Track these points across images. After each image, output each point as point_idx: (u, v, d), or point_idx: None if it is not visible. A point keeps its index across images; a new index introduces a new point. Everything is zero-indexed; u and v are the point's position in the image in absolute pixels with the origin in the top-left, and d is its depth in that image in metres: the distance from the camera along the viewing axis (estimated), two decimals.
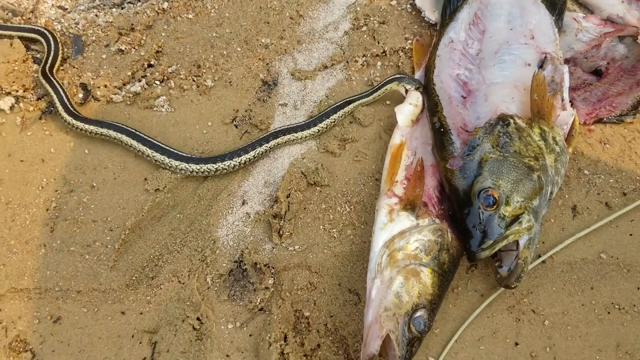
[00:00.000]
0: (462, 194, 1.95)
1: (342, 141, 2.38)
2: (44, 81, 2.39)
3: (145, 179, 2.27)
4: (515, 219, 1.86)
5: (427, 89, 2.36)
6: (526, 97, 2.22)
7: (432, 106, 2.26)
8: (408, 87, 2.34)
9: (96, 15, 2.86)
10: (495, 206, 1.88)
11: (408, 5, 2.83)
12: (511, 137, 2.03)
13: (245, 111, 2.49)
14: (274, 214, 2.14)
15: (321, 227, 2.15)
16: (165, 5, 2.86)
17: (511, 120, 2.08)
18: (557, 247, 2.06)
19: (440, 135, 2.13)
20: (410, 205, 1.98)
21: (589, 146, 2.26)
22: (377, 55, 2.62)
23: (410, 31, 2.73)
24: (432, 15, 2.72)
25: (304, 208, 2.20)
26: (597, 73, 2.59)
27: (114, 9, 2.89)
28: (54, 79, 2.42)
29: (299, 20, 2.82)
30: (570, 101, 2.38)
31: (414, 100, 2.33)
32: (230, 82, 2.58)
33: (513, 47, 2.42)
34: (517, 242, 1.85)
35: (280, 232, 2.10)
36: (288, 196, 2.17)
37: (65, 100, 2.33)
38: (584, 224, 2.12)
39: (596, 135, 2.28)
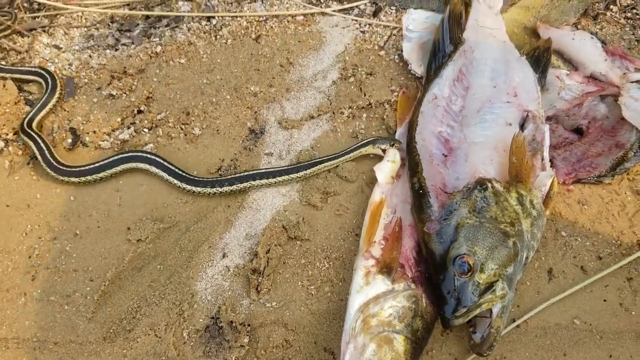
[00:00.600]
0: (438, 258, 1.94)
1: (325, 194, 2.36)
2: (25, 137, 2.40)
3: (128, 229, 2.26)
4: (490, 286, 1.82)
5: (409, 147, 2.35)
6: (505, 159, 2.20)
7: (412, 165, 2.25)
8: (384, 147, 2.33)
9: (90, 57, 2.86)
10: (469, 273, 1.86)
11: (396, 57, 2.83)
12: (488, 202, 2.02)
13: (231, 160, 2.48)
14: (253, 269, 2.13)
15: (299, 283, 2.13)
16: (159, 49, 2.87)
17: (489, 185, 2.07)
18: (532, 312, 2.04)
19: (419, 197, 2.12)
20: (387, 268, 1.96)
21: (567, 207, 2.23)
22: (363, 107, 2.61)
23: (397, 83, 2.73)
24: (418, 68, 2.72)
25: (283, 263, 2.18)
26: (578, 132, 2.57)
27: (107, 50, 2.90)
28: (35, 132, 2.41)
29: (289, 68, 2.82)
30: (550, 160, 2.37)
31: (392, 157, 2.32)
32: (217, 130, 2.57)
33: (495, 106, 2.41)
34: (490, 310, 1.82)
35: (258, 289, 2.09)
36: (268, 252, 2.15)
37: (47, 154, 2.33)
38: (559, 288, 2.10)
39: (575, 196, 2.26)
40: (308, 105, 2.66)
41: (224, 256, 2.20)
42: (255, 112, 2.64)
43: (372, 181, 2.38)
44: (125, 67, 2.76)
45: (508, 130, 2.32)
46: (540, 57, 2.66)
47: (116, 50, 2.89)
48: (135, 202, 2.24)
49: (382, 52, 2.84)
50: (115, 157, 2.36)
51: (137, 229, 2.15)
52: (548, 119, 2.49)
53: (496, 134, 2.31)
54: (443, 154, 2.31)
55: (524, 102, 2.46)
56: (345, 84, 2.70)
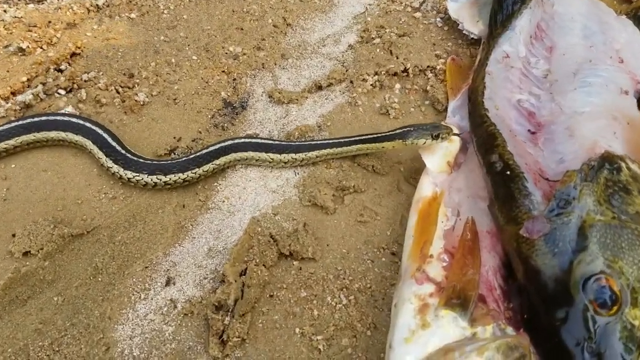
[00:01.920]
0: (552, 282, 1.18)
1: (340, 190, 1.62)
2: None
3: (13, 235, 1.47)
4: None
5: (475, 117, 1.64)
6: (633, 134, 1.50)
7: (486, 139, 1.53)
8: (422, 142, 1.60)
9: (4, 11, 2.16)
10: (616, 307, 1.10)
11: (438, 19, 2.18)
12: (627, 190, 1.28)
13: (193, 141, 1.75)
14: (217, 304, 1.33)
15: (297, 330, 1.34)
16: (101, 2, 2.19)
17: (622, 164, 1.34)
18: None
19: (505, 182, 1.38)
20: (459, 298, 1.17)
21: None
22: (396, 74, 1.93)
23: (443, 48, 2.06)
24: (473, 27, 2.06)
25: (270, 296, 1.41)
26: None
27: (30, 5, 2.21)
28: None
29: (286, 30, 2.15)
30: None
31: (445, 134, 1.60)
32: (174, 99, 1.86)
33: (600, 68, 1.75)
34: None
35: (224, 338, 1.28)
36: (243, 273, 1.37)
37: None
38: None
39: None
40: (313, 75, 1.98)
41: (168, 283, 1.42)
42: (235, 79, 1.93)
43: (414, 174, 1.65)
44: (50, 21, 2.06)
45: (625, 100, 1.63)
46: None
47: (40, 3, 2.20)
48: (31, 196, 1.49)
49: (418, 14, 2.20)
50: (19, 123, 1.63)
51: (26, 237, 1.37)
52: None
53: (608, 101, 1.64)
54: (529, 131, 1.59)
55: (635, 70, 1.80)
56: (367, 47, 2.04)
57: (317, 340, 1.34)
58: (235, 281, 1.36)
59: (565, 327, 1.14)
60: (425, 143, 1.59)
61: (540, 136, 1.60)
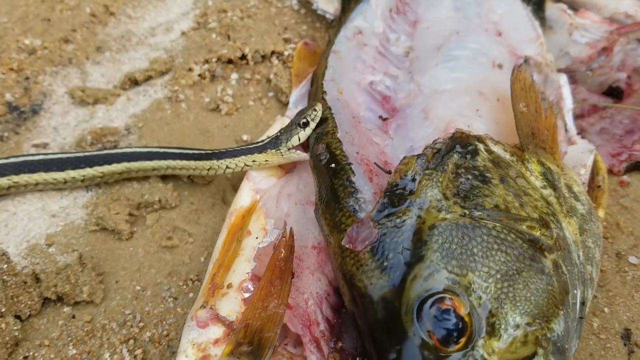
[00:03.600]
0: (380, 309, 0.88)
1: (140, 208, 1.27)
2: None
3: None
4: None
5: (309, 101, 1.35)
6: (503, 114, 1.27)
7: (319, 128, 1.23)
8: (295, 140, 1.25)
9: None
10: (464, 339, 0.81)
11: (294, 2, 1.90)
12: (485, 179, 1.01)
13: None
14: None
15: None
16: None
17: (480, 146, 1.08)
18: None
19: (330, 178, 1.07)
20: (250, 344, 0.85)
21: (624, 211, 1.26)
22: (231, 60, 1.62)
23: (296, 32, 1.79)
24: (328, 4, 1.78)
25: (24, 358, 1.03)
26: (614, 93, 1.68)
27: None
28: None
29: (107, 20, 1.83)
30: (578, 133, 1.45)
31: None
32: None
33: (469, 40, 1.53)
34: None
35: None
36: None
37: None
38: None
39: (635, 190, 1.29)
40: (134, 69, 1.63)
41: None
42: (27, 77, 1.59)
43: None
44: None
45: (497, 74, 1.40)
46: None
47: None
48: None
49: None
50: None
51: None
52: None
53: (476, 76, 1.41)
54: (380, 117, 1.32)
55: (516, 44, 1.60)
56: (201, 33, 1.75)
57: None
58: None
59: None
60: (300, 139, 1.26)
61: (392, 122, 1.32)
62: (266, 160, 1.27)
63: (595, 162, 1.34)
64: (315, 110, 1.23)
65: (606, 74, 1.71)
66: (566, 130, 1.46)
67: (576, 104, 1.59)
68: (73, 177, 1.28)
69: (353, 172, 1.06)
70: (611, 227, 1.34)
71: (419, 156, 1.02)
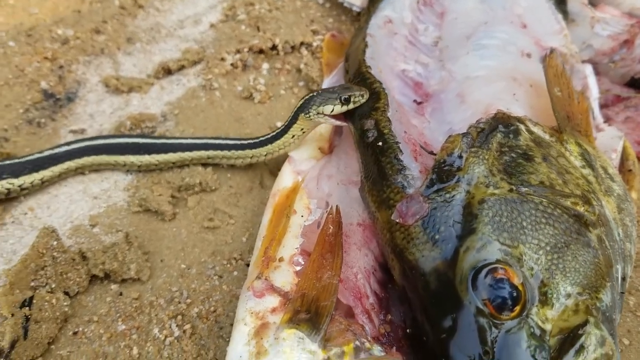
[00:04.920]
0: (433, 280, 0.90)
1: (181, 191, 1.30)
2: None
3: None
4: (571, 336, 0.79)
5: (351, 76, 1.40)
6: (537, 99, 1.28)
7: (365, 104, 1.25)
8: (328, 109, 1.25)
9: None
10: (518, 307, 0.82)
11: None
12: (528, 157, 1.03)
13: None
14: None
15: None
16: None
17: (521, 127, 1.10)
18: None
19: (377, 156, 1.10)
20: (308, 312, 0.87)
21: None
22: (262, 51, 1.64)
23: (322, 25, 1.82)
24: None
25: (74, 333, 1.07)
26: (636, 84, 1.71)
27: None
28: None
29: (136, 12, 1.86)
30: (605, 122, 1.47)
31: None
32: None
33: (497, 30, 1.54)
34: None
35: None
36: (26, 304, 1.01)
37: None
38: None
39: None
40: (165, 59, 1.65)
41: None
42: (61, 66, 1.60)
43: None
44: None
45: (527, 62, 1.42)
46: None
47: None
48: None
49: None
50: None
51: None
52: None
53: (507, 64, 1.43)
54: (415, 101, 1.34)
55: (541, 35, 1.62)
56: (230, 24, 1.77)
57: None
58: (13, 315, 1.01)
59: (454, 341, 0.86)
60: (333, 110, 1.26)
61: (428, 106, 1.35)
62: (302, 129, 1.29)
63: (624, 148, 1.36)
64: (362, 94, 1.23)
65: (628, 66, 1.73)
66: (593, 118, 1.49)
67: (600, 95, 1.62)
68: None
69: (401, 150, 1.08)
70: None
71: (464, 135, 1.05)
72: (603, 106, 1.64)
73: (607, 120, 1.58)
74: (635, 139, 1.54)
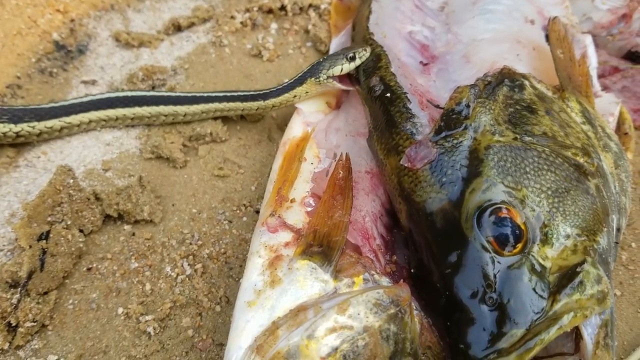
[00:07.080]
0: (440, 219, 0.94)
1: (192, 140, 1.32)
2: None
3: None
4: (570, 273, 0.82)
5: (356, 42, 1.41)
6: (540, 62, 1.33)
7: (368, 62, 1.28)
8: (337, 70, 1.29)
9: None
10: (520, 244, 0.86)
11: None
12: (532, 110, 1.07)
13: (7, 87, 1.40)
14: (10, 280, 1.00)
15: (121, 310, 1.05)
16: None
17: (526, 82, 1.13)
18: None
19: (385, 107, 1.13)
20: (320, 245, 0.91)
21: None
22: (271, 11, 1.65)
23: None
24: None
25: (88, 269, 1.10)
26: (633, 57, 1.74)
27: None
28: None
29: None
30: (602, 90, 1.51)
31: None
32: None
33: None
34: (576, 333, 0.89)
35: (16, 325, 0.96)
36: (43, 237, 1.04)
37: None
38: None
39: None
40: (175, 16, 1.66)
41: None
42: (72, 19, 1.61)
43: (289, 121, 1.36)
44: None
45: (531, 28, 1.45)
46: None
47: None
48: None
49: None
50: None
51: None
52: None
53: (512, 28, 1.45)
54: (421, 62, 1.37)
55: (543, 5, 1.64)
56: None
57: (146, 321, 1.03)
58: (30, 247, 1.03)
59: (459, 275, 0.89)
60: (342, 70, 1.29)
61: (434, 67, 1.38)
62: (306, 92, 1.32)
63: (620, 113, 1.40)
64: (365, 49, 1.28)
65: (626, 39, 1.77)
66: (592, 85, 1.53)
67: (598, 65, 1.66)
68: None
69: (409, 99, 1.11)
70: (634, 174, 1.41)
71: (472, 86, 1.08)
72: (600, 76, 1.68)
73: (605, 88, 1.62)
74: (631, 107, 1.58)
